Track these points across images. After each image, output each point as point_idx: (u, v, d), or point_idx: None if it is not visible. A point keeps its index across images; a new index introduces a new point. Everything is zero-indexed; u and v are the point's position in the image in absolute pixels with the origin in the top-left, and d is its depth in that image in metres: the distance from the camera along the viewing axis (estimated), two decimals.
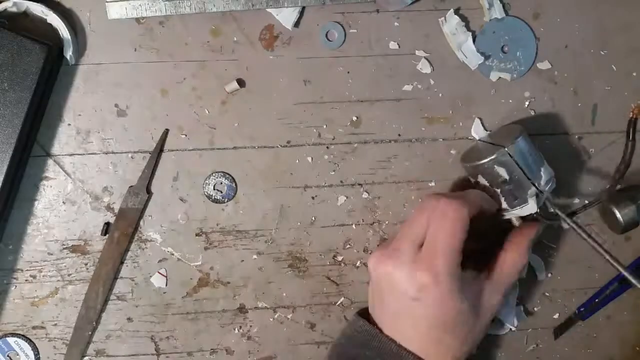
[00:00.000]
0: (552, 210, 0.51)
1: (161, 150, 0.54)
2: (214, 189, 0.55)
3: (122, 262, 0.55)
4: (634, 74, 0.57)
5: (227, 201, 0.55)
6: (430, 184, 0.56)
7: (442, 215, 0.47)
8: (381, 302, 0.50)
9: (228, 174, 0.55)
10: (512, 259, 0.50)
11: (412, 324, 0.48)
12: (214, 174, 0.55)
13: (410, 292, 0.46)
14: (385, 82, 0.55)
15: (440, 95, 0.56)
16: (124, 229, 0.54)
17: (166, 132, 0.54)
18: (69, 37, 0.51)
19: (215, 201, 0.55)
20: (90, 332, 0.55)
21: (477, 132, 0.56)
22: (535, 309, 0.59)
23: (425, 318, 0.47)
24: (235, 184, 0.55)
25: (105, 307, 0.56)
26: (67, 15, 0.52)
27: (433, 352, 0.48)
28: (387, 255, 0.48)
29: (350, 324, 0.52)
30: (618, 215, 0.55)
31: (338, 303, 0.58)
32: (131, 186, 0.54)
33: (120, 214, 0.54)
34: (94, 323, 0.55)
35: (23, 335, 0.55)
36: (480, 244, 0.50)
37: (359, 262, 0.57)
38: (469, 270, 0.49)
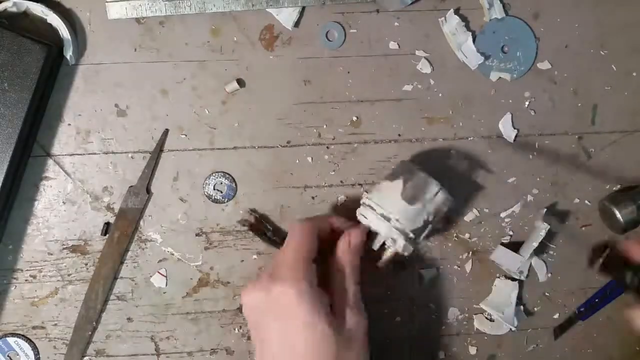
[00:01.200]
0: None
1: (161, 150, 0.54)
2: (214, 189, 0.55)
3: (122, 262, 0.55)
4: (634, 74, 0.57)
5: (227, 201, 0.55)
6: None
7: (290, 235, 0.49)
8: (262, 339, 0.48)
9: (228, 174, 0.55)
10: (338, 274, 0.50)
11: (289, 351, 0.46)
12: (214, 174, 0.55)
13: (278, 311, 0.46)
14: (385, 82, 0.55)
15: (440, 95, 0.56)
16: (124, 229, 0.54)
17: (166, 132, 0.54)
18: (69, 37, 0.51)
19: (215, 201, 0.55)
20: (90, 332, 0.55)
21: (505, 126, 0.56)
22: (535, 309, 0.59)
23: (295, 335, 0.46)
24: (235, 184, 0.55)
25: (105, 307, 0.56)
26: (67, 15, 0.52)
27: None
28: (251, 288, 0.48)
29: None
30: (618, 215, 0.55)
31: None
32: (131, 186, 0.54)
33: (120, 214, 0.54)
34: (94, 323, 0.55)
35: (23, 335, 0.55)
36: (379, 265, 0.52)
37: None
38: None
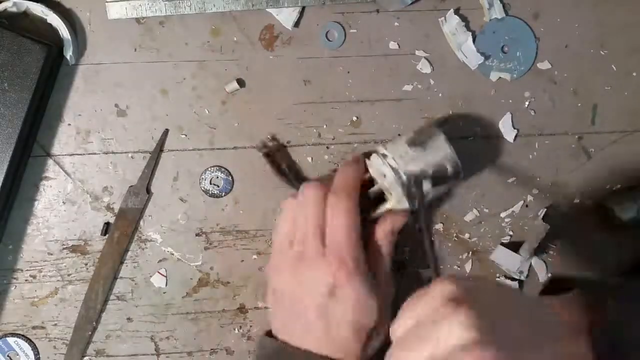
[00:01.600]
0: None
1: (161, 150, 0.54)
2: (211, 184, 0.55)
3: (122, 262, 0.55)
4: (634, 74, 0.57)
5: (224, 195, 0.55)
6: None
7: (336, 210, 0.48)
8: (289, 315, 0.49)
9: (224, 168, 0.55)
10: (379, 247, 0.51)
11: (325, 325, 0.47)
12: (209, 169, 0.55)
13: (324, 290, 0.46)
14: (385, 82, 0.55)
15: (440, 95, 0.56)
16: (124, 229, 0.54)
17: (166, 132, 0.54)
18: (69, 37, 0.51)
19: (213, 195, 0.55)
20: (90, 332, 0.55)
21: (505, 126, 0.56)
22: None
23: (341, 314, 0.47)
24: (232, 178, 0.55)
25: (105, 307, 0.56)
26: (67, 15, 0.52)
27: (348, 352, 0.47)
28: (294, 259, 0.48)
29: (257, 346, 0.51)
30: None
31: None
32: (131, 186, 0.54)
33: (120, 214, 0.54)
34: (94, 323, 0.55)
35: (23, 335, 0.55)
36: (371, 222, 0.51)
37: None
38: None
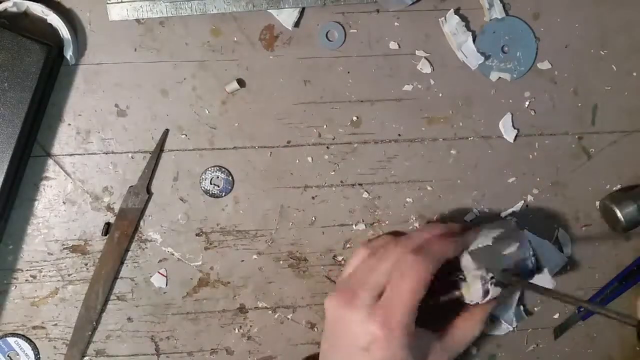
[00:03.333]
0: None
1: (161, 150, 0.54)
2: (211, 184, 0.55)
3: (122, 262, 0.55)
4: (634, 74, 0.57)
5: (224, 195, 0.55)
6: (428, 187, 0.56)
7: (408, 270, 0.46)
8: (332, 346, 0.49)
9: (224, 168, 0.55)
10: (465, 327, 0.50)
11: None
12: (209, 169, 0.55)
13: (361, 342, 0.45)
14: (385, 82, 0.55)
15: (440, 95, 0.56)
16: (124, 229, 0.54)
17: (166, 132, 0.54)
18: (69, 37, 0.51)
19: (213, 195, 0.55)
20: (90, 332, 0.55)
21: (505, 126, 0.56)
22: (535, 309, 0.59)
23: None
24: (232, 178, 0.55)
25: (105, 307, 0.56)
26: (67, 15, 0.52)
27: None
28: (346, 299, 0.47)
29: None
30: (619, 215, 0.55)
31: None
32: (131, 186, 0.54)
33: (120, 214, 0.54)
34: (94, 323, 0.55)
35: (23, 335, 0.55)
36: (435, 301, 0.50)
37: None
38: (420, 327, 0.47)
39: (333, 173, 0.56)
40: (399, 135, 0.56)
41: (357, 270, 0.50)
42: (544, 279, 0.50)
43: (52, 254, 0.55)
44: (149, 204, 0.55)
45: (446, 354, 0.49)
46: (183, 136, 0.54)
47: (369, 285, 0.47)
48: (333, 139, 0.56)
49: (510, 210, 0.57)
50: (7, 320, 0.55)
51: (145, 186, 0.54)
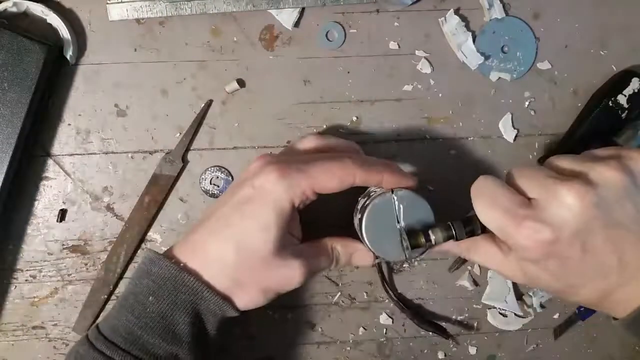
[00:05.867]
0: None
1: (202, 121, 0.54)
2: (211, 184, 0.55)
3: (148, 229, 0.55)
4: None
5: None
6: (428, 187, 0.56)
7: (339, 161, 0.45)
8: (215, 208, 0.46)
9: (224, 168, 0.55)
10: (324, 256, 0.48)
11: (215, 229, 0.44)
12: (209, 169, 0.55)
13: (253, 178, 0.44)
14: (385, 82, 0.55)
15: (440, 95, 0.56)
16: (155, 195, 0.54)
17: (210, 102, 0.54)
18: (69, 37, 0.51)
19: (213, 195, 0.55)
20: (106, 296, 0.55)
21: (505, 126, 0.56)
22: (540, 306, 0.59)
23: (245, 215, 0.44)
24: (232, 178, 0.55)
25: (124, 274, 0.55)
26: (67, 15, 0.52)
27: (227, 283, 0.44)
28: (265, 155, 0.47)
29: (141, 261, 0.47)
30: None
31: (338, 303, 0.58)
32: (167, 153, 0.54)
33: (153, 180, 0.54)
34: (111, 287, 0.55)
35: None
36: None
37: None
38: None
39: None
40: (399, 135, 0.56)
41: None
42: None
43: (52, 254, 0.55)
44: (181, 175, 0.55)
45: (298, 265, 0.46)
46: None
47: (289, 149, 0.49)
48: None
49: None
50: (7, 320, 0.55)
51: (181, 155, 0.54)
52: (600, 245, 0.40)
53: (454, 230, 0.44)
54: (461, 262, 0.58)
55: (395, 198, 0.45)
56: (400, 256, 0.46)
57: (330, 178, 0.44)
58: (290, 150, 0.50)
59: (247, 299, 0.45)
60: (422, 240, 0.45)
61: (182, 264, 0.45)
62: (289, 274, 0.45)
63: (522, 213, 0.40)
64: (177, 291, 0.44)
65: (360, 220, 0.46)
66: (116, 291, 0.56)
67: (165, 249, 0.48)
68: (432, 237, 0.44)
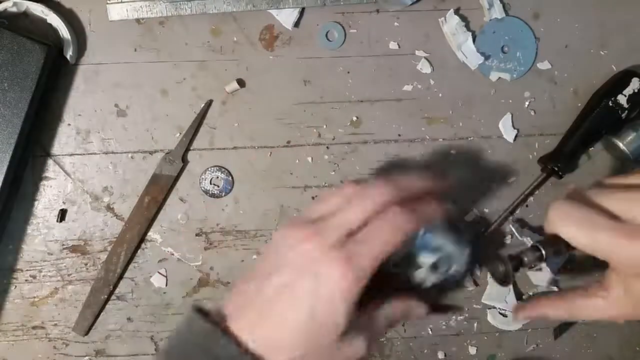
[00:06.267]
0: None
1: (202, 121, 0.54)
2: (211, 184, 0.55)
3: (148, 229, 0.55)
4: None
5: (224, 195, 0.55)
6: None
7: (392, 220, 0.40)
8: (260, 279, 0.40)
9: (224, 168, 0.55)
10: (389, 313, 0.44)
11: (280, 314, 0.38)
12: (209, 169, 0.55)
13: (312, 266, 0.38)
14: (385, 82, 0.55)
15: (440, 95, 0.56)
16: (155, 195, 0.54)
17: (210, 102, 0.54)
18: (69, 37, 0.51)
19: (213, 195, 0.55)
20: (106, 296, 0.55)
21: (505, 126, 0.56)
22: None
23: (307, 290, 0.38)
24: (232, 178, 0.55)
25: (124, 273, 0.55)
26: (67, 15, 0.52)
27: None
28: (306, 234, 0.39)
29: (186, 319, 0.39)
30: (621, 146, 0.54)
31: None
32: (167, 153, 0.54)
33: (153, 180, 0.54)
34: (111, 287, 0.55)
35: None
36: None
37: None
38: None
39: (333, 173, 0.56)
40: (399, 135, 0.56)
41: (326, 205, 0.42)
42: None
43: (52, 254, 0.55)
44: (181, 175, 0.55)
45: (366, 335, 0.41)
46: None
47: (341, 223, 0.40)
48: (333, 139, 0.56)
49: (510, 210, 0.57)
50: (7, 320, 0.55)
51: (181, 155, 0.54)
52: None
53: (543, 249, 0.43)
54: (565, 327, 0.59)
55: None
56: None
57: (388, 245, 0.40)
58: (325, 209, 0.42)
59: None
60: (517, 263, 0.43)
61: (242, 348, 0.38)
62: (355, 351, 0.41)
63: (627, 228, 0.39)
64: None
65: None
66: (116, 291, 0.56)
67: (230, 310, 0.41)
68: (525, 259, 0.43)
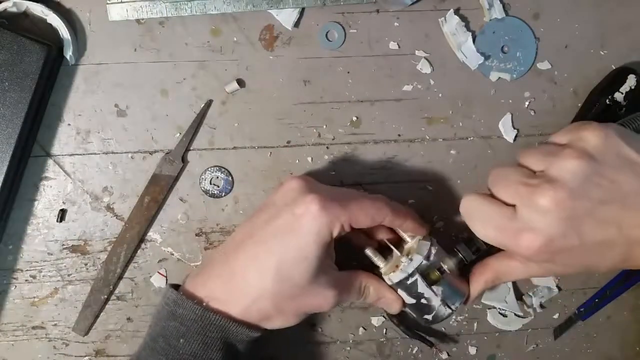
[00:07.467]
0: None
1: (202, 121, 0.54)
2: (211, 184, 0.55)
3: (148, 228, 0.55)
4: None
5: (224, 195, 0.55)
6: (428, 187, 0.56)
7: (374, 199, 0.49)
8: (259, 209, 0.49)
9: (224, 168, 0.55)
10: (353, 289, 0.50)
11: (252, 253, 0.46)
12: (209, 169, 0.55)
13: (292, 204, 0.46)
14: (385, 82, 0.55)
15: (440, 95, 0.56)
16: (155, 195, 0.54)
17: (209, 102, 0.54)
18: (69, 37, 0.51)
19: (213, 195, 0.55)
20: (106, 296, 0.55)
21: (505, 126, 0.56)
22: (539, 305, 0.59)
23: (278, 249, 0.45)
24: (232, 178, 0.55)
25: (124, 273, 0.55)
26: (67, 15, 0.52)
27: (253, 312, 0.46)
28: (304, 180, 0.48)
29: (161, 300, 0.48)
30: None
31: None
32: (167, 153, 0.54)
33: (153, 180, 0.54)
34: (111, 287, 0.55)
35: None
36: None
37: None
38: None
39: (333, 173, 0.56)
40: (399, 135, 0.56)
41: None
42: None
43: (51, 254, 0.55)
44: (181, 175, 0.55)
45: (332, 292, 0.48)
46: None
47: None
48: (333, 139, 0.56)
49: None
50: (7, 320, 0.55)
51: (181, 155, 0.54)
52: (594, 227, 0.41)
53: (461, 253, 0.49)
54: (566, 326, 0.59)
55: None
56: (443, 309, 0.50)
57: (366, 215, 0.47)
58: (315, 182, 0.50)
59: (281, 321, 0.48)
60: (437, 273, 0.49)
61: (204, 304, 0.46)
62: (322, 302, 0.47)
63: (514, 227, 0.43)
64: (205, 330, 0.45)
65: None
66: (116, 291, 0.56)
67: (194, 273, 0.50)
68: (445, 267, 0.49)
